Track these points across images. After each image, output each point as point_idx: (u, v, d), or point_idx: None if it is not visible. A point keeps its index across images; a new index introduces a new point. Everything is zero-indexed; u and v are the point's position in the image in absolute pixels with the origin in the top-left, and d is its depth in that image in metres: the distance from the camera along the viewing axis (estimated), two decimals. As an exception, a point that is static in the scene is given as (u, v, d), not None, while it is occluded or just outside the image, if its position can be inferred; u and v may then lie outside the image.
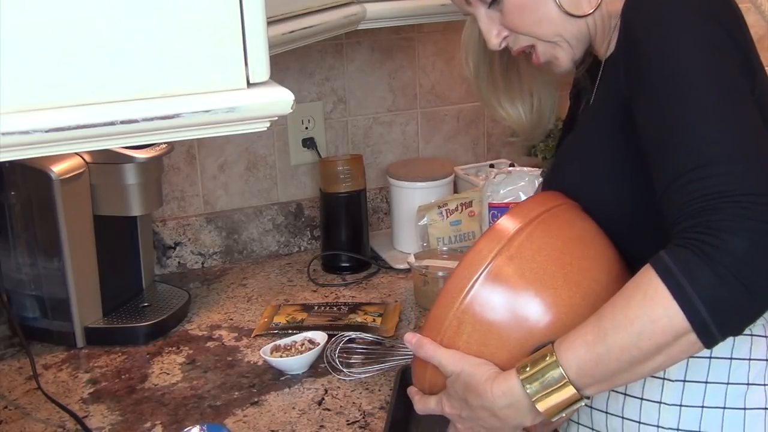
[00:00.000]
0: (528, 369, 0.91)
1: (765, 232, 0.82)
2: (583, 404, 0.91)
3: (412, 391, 1.08)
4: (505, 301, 0.96)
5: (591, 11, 1.04)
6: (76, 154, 1.47)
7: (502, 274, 0.96)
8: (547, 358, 0.90)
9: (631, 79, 0.95)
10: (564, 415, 0.93)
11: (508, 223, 1.00)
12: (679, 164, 0.88)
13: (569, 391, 0.89)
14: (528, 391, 0.91)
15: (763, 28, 1.96)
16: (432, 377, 1.02)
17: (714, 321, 0.82)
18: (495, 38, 1.10)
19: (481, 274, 0.97)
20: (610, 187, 1.03)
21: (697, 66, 0.90)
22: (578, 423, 1.13)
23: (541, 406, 0.91)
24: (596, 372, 0.89)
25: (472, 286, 0.97)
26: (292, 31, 1.30)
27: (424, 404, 1.05)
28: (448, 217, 1.77)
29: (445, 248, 1.71)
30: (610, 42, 1.05)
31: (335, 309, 1.60)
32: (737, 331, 0.86)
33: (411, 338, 1.02)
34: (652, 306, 0.84)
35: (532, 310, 0.96)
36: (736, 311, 0.83)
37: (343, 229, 1.80)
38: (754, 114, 0.90)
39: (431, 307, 1.01)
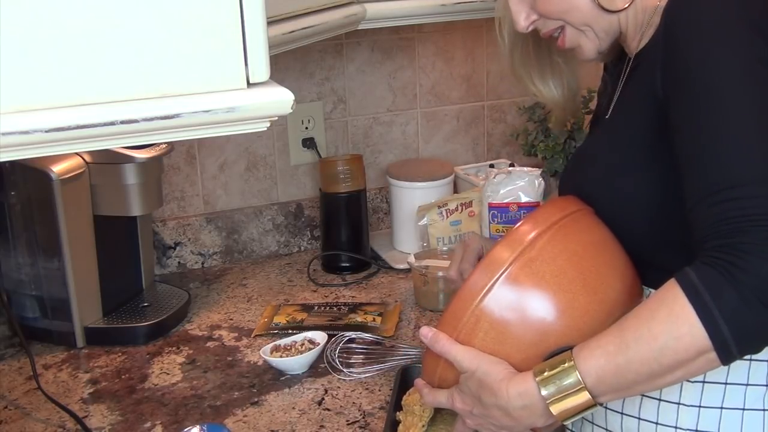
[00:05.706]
0: (545, 373, 0.92)
1: None
2: (596, 409, 0.93)
3: (420, 383, 1.08)
4: (523, 302, 0.97)
5: (625, 6, 1.03)
6: (76, 154, 1.47)
7: (522, 276, 0.98)
8: (565, 364, 0.91)
9: (669, 84, 0.95)
10: (575, 418, 0.94)
11: (528, 227, 1.01)
12: (711, 181, 0.88)
13: (584, 397, 0.91)
14: (543, 393, 0.92)
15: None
16: (443, 372, 1.03)
17: (735, 341, 0.84)
18: (524, 21, 1.09)
19: (501, 274, 0.98)
20: (637, 186, 1.02)
21: (737, 80, 0.89)
22: (592, 423, 1.14)
23: (555, 409, 0.92)
24: (614, 382, 0.90)
25: (492, 286, 0.98)
26: (292, 31, 1.30)
27: (434, 397, 1.05)
28: (448, 217, 1.77)
29: (445, 248, 1.71)
30: (642, 37, 1.03)
31: (335, 309, 1.60)
32: (757, 350, 0.87)
33: (427, 332, 1.02)
34: (677, 323, 0.85)
35: (550, 313, 0.97)
36: (758, 333, 0.85)
37: (343, 229, 1.80)
38: None
39: (449, 303, 1.02)
